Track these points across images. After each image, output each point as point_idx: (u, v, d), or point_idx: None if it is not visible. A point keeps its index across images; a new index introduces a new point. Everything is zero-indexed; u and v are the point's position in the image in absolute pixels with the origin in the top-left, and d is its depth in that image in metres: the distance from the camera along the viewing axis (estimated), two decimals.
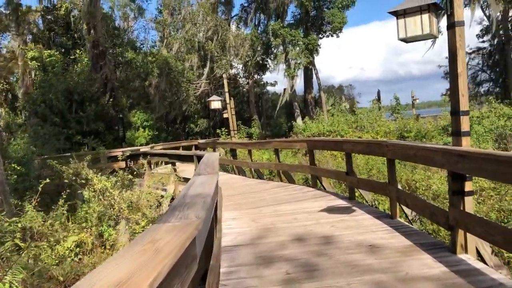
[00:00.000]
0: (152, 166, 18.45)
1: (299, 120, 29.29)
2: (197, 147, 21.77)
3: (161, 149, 24.72)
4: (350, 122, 24.28)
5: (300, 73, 28.46)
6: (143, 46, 36.35)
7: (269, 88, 39.86)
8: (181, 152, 9.20)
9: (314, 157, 9.61)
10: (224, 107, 17.81)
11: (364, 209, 6.63)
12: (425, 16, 4.07)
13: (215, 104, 16.52)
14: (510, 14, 26.12)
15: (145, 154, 12.10)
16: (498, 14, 23.43)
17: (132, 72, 30.66)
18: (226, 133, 23.15)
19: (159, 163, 16.91)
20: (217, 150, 19.11)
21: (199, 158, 7.49)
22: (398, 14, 4.36)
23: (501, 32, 27.70)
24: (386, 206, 7.44)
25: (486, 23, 29.48)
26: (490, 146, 14.86)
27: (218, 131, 23.09)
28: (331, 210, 6.90)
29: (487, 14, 27.39)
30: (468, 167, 3.68)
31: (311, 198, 8.27)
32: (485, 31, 30.03)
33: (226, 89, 16.06)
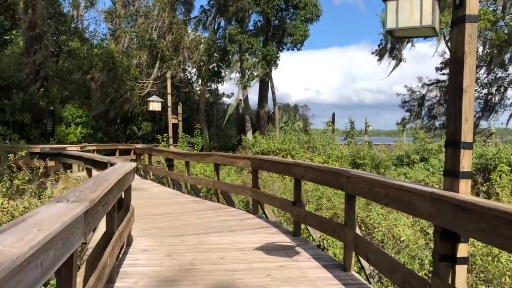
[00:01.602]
0: (80, 168, 16.50)
1: (249, 135, 28.12)
2: (135, 152, 19.96)
3: (93, 150, 22.63)
4: (303, 142, 23.42)
5: (255, 85, 27.43)
6: (93, 39, 34.05)
7: (225, 99, 38.62)
8: (96, 157, 7.64)
9: (258, 178, 8.33)
10: (166, 110, 16.20)
11: (310, 252, 5.39)
12: (427, 2, 2.90)
13: (154, 105, 14.89)
14: None
15: (54, 155, 10.33)
16: None
17: (73, 63, 28.30)
18: (168, 139, 21.52)
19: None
20: (153, 158, 17.45)
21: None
22: None
23: None
24: (337, 251, 6.25)
25: (447, 56, 29.92)
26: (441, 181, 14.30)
27: (158, 136, 21.37)
28: (270, 249, 5.61)
29: (449, 46, 27.77)
30: (473, 227, 2.50)
31: (249, 228, 6.95)
32: (445, 64, 30.48)
33: (169, 90, 14.49)
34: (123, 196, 5.45)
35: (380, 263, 3.75)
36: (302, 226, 6.71)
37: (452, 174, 2.95)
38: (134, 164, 5.51)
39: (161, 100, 15.56)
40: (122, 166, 5.00)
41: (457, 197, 2.69)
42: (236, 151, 26.47)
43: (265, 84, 29.75)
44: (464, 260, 2.88)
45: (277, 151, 22.08)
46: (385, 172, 18.04)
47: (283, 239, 6.15)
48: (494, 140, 19.03)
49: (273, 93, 28.02)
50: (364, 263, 4.67)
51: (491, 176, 14.33)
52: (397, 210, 6.03)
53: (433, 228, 6.12)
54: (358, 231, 4.65)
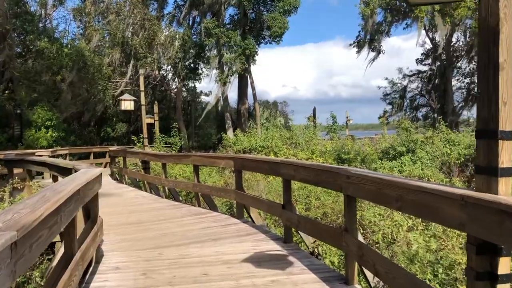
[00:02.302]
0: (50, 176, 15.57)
1: (230, 132, 27.45)
2: (109, 155, 19.09)
3: (66, 154, 21.64)
4: (285, 138, 22.91)
5: (234, 80, 26.70)
6: (63, 39, 32.72)
7: (203, 98, 37.79)
8: (60, 162, 6.92)
9: (242, 179, 7.72)
10: (140, 109, 15.40)
11: (305, 262, 4.82)
12: None
13: (127, 104, 14.08)
14: (453, 39, 26.56)
15: (17, 161, 9.52)
16: (443, 37, 23.53)
17: (41, 64, 27.07)
18: (143, 140, 20.62)
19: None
20: (129, 160, 16.66)
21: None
22: None
23: (443, 56, 28.05)
24: (335, 259, 5.70)
25: (428, 46, 29.92)
26: (435, 175, 13.92)
27: (133, 137, 20.50)
28: (259, 260, 5.02)
29: (431, 36, 27.71)
30: None
31: (234, 236, 6.35)
32: (426, 54, 30.42)
33: (141, 87, 13.65)
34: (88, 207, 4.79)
35: (393, 279, 3.19)
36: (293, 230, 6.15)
37: (487, 171, 2.40)
38: (99, 170, 4.84)
39: (134, 98, 14.76)
40: (83, 173, 4.33)
41: (502, 201, 2.14)
42: (216, 150, 25.79)
43: (244, 79, 29.12)
44: (507, 278, 2.34)
45: (260, 148, 21.51)
46: (370, 166, 17.68)
47: (273, 247, 5.57)
48: None
49: (253, 88, 27.43)
50: (369, 274, 4.12)
51: None
52: (414, 216, 5.44)
53: (450, 232, 5.64)
54: (361, 238, 4.10)
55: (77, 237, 5.07)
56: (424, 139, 17.45)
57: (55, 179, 7.81)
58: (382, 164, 17.27)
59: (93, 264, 4.89)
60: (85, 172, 4.46)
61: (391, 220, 6.02)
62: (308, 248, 5.92)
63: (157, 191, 12.14)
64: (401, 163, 16.91)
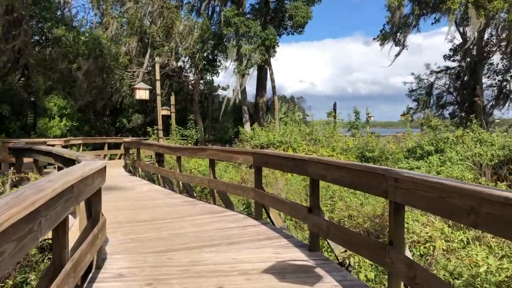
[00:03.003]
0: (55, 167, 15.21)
1: (247, 126, 26.82)
2: (124, 146, 18.68)
3: (79, 144, 21.32)
4: (304, 134, 22.21)
5: (253, 72, 26.01)
6: (81, 27, 32.52)
7: (220, 92, 37.30)
8: (64, 153, 6.41)
9: (261, 177, 7.11)
10: (156, 100, 14.84)
11: (336, 276, 4.19)
12: None
13: (142, 93, 13.53)
14: (485, 35, 25.40)
15: (24, 150, 9.08)
16: (475, 31, 22.45)
17: (57, 51, 26.83)
18: (161, 131, 20.17)
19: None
20: (143, 152, 16.22)
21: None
22: None
23: (473, 51, 26.89)
24: (371, 274, 5.02)
25: (457, 41, 28.77)
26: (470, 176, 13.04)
27: (149, 129, 20.06)
28: (282, 271, 4.40)
29: (461, 31, 26.58)
30: None
31: (253, 239, 5.75)
32: (454, 50, 29.22)
33: (157, 76, 13.07)
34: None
35: None
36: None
37: None
38: (102, 163, 4.27)
39: (150, 87, 14.21)
40: (82, 166, 3.76)
41: None
42: (233, 144, 25.23)
43: (263, 72, 28.41)
44: None
45: (278, 143, 20.90)
46: (396, 166, 16.89)
47: (297, 256, 4.95)
48: None
49: (272, 81, 26.68)
50: None
51: None
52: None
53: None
54: (409, 253, 3.44)
55: (70, 241, 4.56)
56: (453, 138, 16.53)
57: (60, 170, 7.32)
58: (409, 163, 16.46)
59: (92, 270, 4.34)
60: (85, 165, 3.90)
61: (433, 227, 5.31)
62: (337, 258, 5.28)
63: (171, 185, 11.63)
64: (429, 163, 16.08)
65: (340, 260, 5.23)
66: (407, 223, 6.22)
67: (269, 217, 7.04)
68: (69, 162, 5.92)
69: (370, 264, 5.02)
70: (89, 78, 26.00)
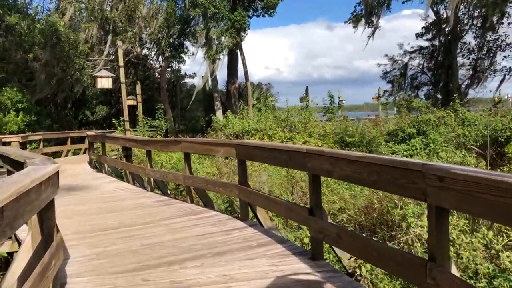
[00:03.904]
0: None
1: (219, 114, 25.86)
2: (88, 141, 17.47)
3: (39, 139, 19.93)
4: (279, 121, 21.52)
5: (224, 57, 24.96)
6: (36, 15, 30.50)
7: (187, 80, 36.11)
8: (11, 153, 5.39)
9: (246, 171, 6.31)
10: (120, 89, 13.68)
11: None
12: None
13: (104, 81, 12.35)
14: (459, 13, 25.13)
15: None
16: (453, 8, 22.08)
17: (10, 40, 24.99)
18: (128, 123, 18.98)
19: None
20: (108, 146, 15.13)
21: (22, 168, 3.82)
22: None
23: (446, 30, 26.64)
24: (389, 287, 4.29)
25: (431, 19, 28.47)
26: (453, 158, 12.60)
27: (114, 120, 18.87)
28: None
29: (435, 9, 26.26)
30: None
31: (242, 247, 4.96)
32: (427, 28, 28.94)
33: (120, 62, 11.93)
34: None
35: None
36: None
37: None
38: (52, 168, 3.37)
39: (113, 75, 13.08)
40: (22, 176, 2.85)
41: None
42: (205, 133, 24.29)
43: (234, 57, 27.39)
44: None
45: (253, 131, 20.18)
46: (377, 150, 16.44)
47: (299, 267, 4.19)
48: (502, 108, 17.46)
49: (245, 66, 25.72)
50: None
51: (506, 150, 12.84)
52: None
53: None
54: (455, 270, 2.73)
55: (21, 261, 3.69)
56: (435, 120, 16.15)
57: (10, 173, 6.31)
58: (391, 147, 16.03)
59: None
60: (28, 173, 2.99)
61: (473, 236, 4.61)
62: (343, 266, 4.55)
63: (142, 182, 10.68)
64: (412, 146, 15.70)
65: (348, 269, 4.51)
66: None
67: (256, 216, 6.26)
68: (17, 165, 4.95)
69: (386, 273, 4.30)
70: (48, 69, 24.37)
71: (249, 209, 6.33)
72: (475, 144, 14.03)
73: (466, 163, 10.66)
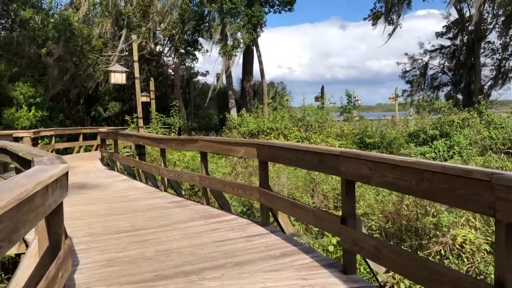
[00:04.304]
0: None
1: (233, 112, 25.51)
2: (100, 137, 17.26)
3: (51, 135, 19.81)
4: (296, 120, 21.11)
5: (239, 54, 24.52)
6: (50, 10, 30.46)
7: (200, 78, 35.91)
8: (20, 150, 5.11)
9: (268, 174, 5.95)
10: (134, 85, 13.35)
11: None
12: None
13: (118, 76, 12.03)
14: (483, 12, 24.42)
15: None
16: (478, 5, 21.43)
17: (23, 34, 24.94)
18: (141, 120, 18.73)
19: None
20: (121, 143, 14.92)
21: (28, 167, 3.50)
22: None
23: (470, 28, 25.91)
24: None
25: (453, 17, 27.79)
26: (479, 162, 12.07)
27: (127, 117, 18.62)
28: None
29: (458, 7, 25.56)
30: None
31: (265, 256, 4.60)
32: (449, 27, 28.22)
33: (135, 56, 11.62)
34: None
35: None
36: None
37: None
38: (60, 169, 3.04)
39: (126, 69, 12.76)
40: (26, 178, 2.52)
41: None
42: (219, 132, 23.97)
43: (249, 53, 27.00)
44: None
45: (268, 130, 19.84)
46: (398, 152, 15.95)
47: (331, 282, 3.81)
48: None
49: (260, 63, 25.29)
50: None
51: None
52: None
53: None
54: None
55: (25, 269, 3.38)
56: (459, 121, 15.61)
57: (18, 171, 6.03)
58: (412, 149, 15.52)
59: None
60: (32, 174, 2.67)
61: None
62: (377, 281, 4.16)
63: (155, 181, 10.40)
64: (434, 148, 15.18)
65: (382, 282, 4.12)
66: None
67: (278, 221, 5.91)
68: (25, 162, 4.65)
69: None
70: (60, 64, 24.25)
71: (270, 213, 5.97)
72: (503, 147, 13.49)
73: (505, 168, 10.14)
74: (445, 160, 13.92)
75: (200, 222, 6.31)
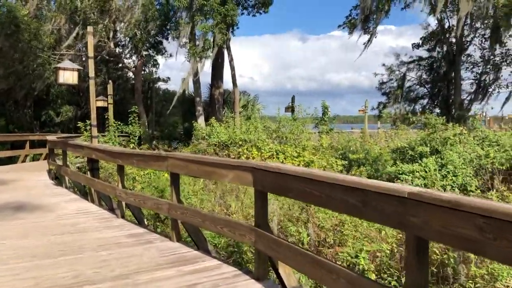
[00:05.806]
0: None
1: (201, 121, 23.85)
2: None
3: None
4: (270, 131, 19.80)
5: (212, 55, 22.80)
6: None
7: (161, 84, 34.33)
8: None
9: (267, 208, 4.50)
10: (89, 88, 11.52)
11: None
12: None
13: (67, 75, 10.12)
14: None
15: None
16: (462, 16, 20.78)
17: None
18: (95, 128, 16.79)
19: None
20: (71, 154, 13.08)
21: None
22: None
23: (450, 40, 25.44)
24: None
25: (432, 28, 27.29)
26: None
27: (79, 124, 16.69)
28: None
29: (438, 17, 25.04)
30: None
31: None
32: (426, 38, 27.77)
33: (90, 52, 9.86)
34: None
35: None
36: None
37: None
38: None
39: (79, 67, 10.96)
40: None
41: None
42: (185, 142, 22.29)
43: (220, 57, 25.46)
44: None
45: (240, 142, 18.39)
46: (383, 170, 14.87)
47: None
48: None
49: (232, 68, 23.75)
50: None
51: None
52: None
53: None
54: None
55: None
56: (452, 138, 14.65)
57: None
58: (401, 168, 14.42)
59: None
60: None
61: None
62: None
63: (110, 202, 8.74)
64: (424, 166, 14.11)
65: None
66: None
67: (277, 273, 4.46)
68: None
69: None
70: (4, 62, 21.95)
71: (269, 263, 4.50)
72: (502, 167, 12.58)
73: None
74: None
75: (170, 272, 4.74)
